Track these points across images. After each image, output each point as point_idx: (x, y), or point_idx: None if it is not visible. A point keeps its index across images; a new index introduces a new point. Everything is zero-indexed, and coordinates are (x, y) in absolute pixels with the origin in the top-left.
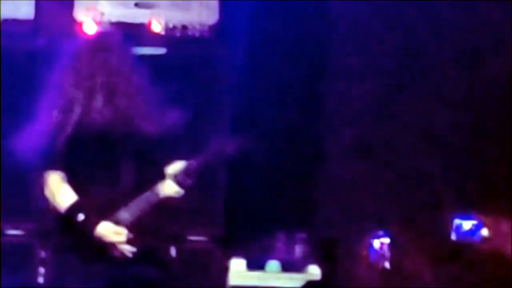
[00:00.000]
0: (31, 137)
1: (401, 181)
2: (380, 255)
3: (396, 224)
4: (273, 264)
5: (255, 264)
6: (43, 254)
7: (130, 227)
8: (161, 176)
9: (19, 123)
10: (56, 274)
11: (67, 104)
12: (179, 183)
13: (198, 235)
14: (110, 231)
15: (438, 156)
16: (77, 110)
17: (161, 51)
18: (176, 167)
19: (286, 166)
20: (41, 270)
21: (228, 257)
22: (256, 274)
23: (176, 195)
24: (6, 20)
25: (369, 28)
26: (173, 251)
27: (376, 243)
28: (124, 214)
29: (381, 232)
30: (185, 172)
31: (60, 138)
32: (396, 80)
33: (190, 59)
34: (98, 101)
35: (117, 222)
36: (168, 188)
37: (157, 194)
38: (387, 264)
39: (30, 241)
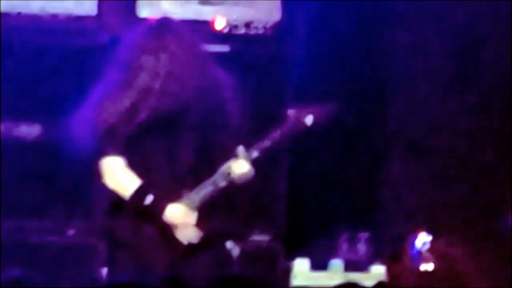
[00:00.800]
0: (89, 127)
1: (461, 179)
2: (423, 255)
3: (457, 223)
4: (336, 264)
5: (318, 264)
6: (105, 253)
7: (198, 211)
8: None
9: (82, 120)
10: (118, 272)
11: (135, 89)
12: (252, 161)
13: (261, 234)
14: (181, 213)
15: (498, 154)
16: (144, 95)
17: (224, 48)
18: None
19: (349, 165)
20: (104, 269)
21: (291, 257)
22: (319, 274)
23: (248, 175)
24: (68, 17)
25: (432, 28)
26: (236, 250)
27: (419, 243)
28: (194, 196)
29: (425, 232)
30: (259, 150)
31: (125, 123)
32: (455, 80)
33: (253, 56)
34: (164, 85)
35: (186, 205)
36: (240, 167)
37: (227, 174)
38: (431, 266)
39: (92, 240)
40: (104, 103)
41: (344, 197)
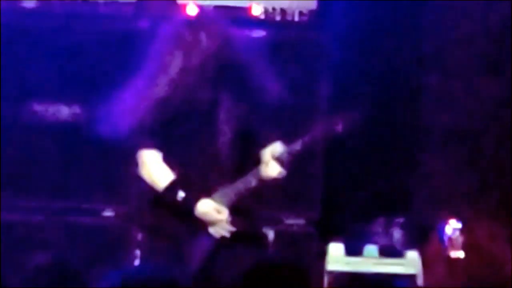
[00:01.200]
0: (127, 117)
1: (494, 167)
2: (453, 242)
3: (489, 210)
4: (371, 249)
5: (353, 249)
6: (139, 236)
7: (230, 207)
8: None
9: (120, 106)
10: (151, 256)
11: (169, 82)
12: (282, 163)
13: (296, 218)
14: (212, 209)
15: None
16: (179, 88)
17: (261, 34)
18: (278, 147)
19: (384, 150)
20: (137, 252)
21: (326, 242)
22: (354, 259)
23: (279, 176)
24: (108, 3)
25: (466, 13)
26: (271, 235)
27: (450, 230)
28: (225, 193)
29: (454, 218)
30: (289, 152)
31: (159, 115)
32: (489, 69)
33: (289, 43)
34: (199, 79)
35: (217, 201)
36: (271, 169)
37: (259, 176)
38: (461, 253)
39: (126, 223)
40: (140, 94)
41: (380, 182)
